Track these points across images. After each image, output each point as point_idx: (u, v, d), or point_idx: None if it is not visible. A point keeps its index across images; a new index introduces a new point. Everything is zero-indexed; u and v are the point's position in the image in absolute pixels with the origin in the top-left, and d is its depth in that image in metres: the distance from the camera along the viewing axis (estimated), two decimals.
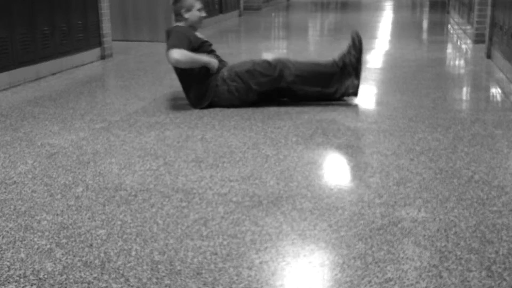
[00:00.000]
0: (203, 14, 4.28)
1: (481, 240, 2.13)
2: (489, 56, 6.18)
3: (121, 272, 1.93)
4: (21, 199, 2.57)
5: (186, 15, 4.20)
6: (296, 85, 4.14)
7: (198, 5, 4.23)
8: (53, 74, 5.53)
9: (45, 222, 2.32)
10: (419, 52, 6.95)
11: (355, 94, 4.20)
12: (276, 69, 4.10)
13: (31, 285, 1.86)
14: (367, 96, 4.51)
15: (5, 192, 2.65)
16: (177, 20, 4.29)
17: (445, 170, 2.87)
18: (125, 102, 4.41)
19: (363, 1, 16.86)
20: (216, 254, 2.05)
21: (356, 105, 4.23)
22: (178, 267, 1.96)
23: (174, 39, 4.02)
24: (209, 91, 4.12)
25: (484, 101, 4.57)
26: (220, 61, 4.22)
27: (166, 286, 1.85)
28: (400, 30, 9.80)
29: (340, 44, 7.71)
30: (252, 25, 10.82)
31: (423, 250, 2.05)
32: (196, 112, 4.06)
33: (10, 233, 2.23)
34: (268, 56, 6.58)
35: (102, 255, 2.05)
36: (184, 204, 2.49)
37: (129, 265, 1.98)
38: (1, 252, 2.08)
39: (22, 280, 1.89)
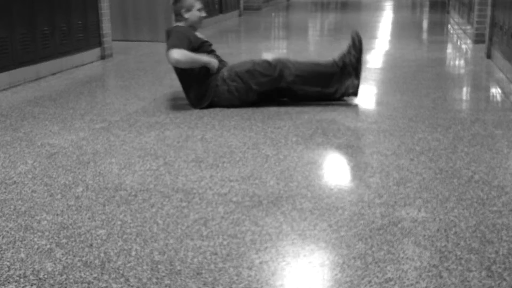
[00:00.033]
0: (203, 14, 4.28)
1: (481, 240, 2.13)
2: (489, 56, 6.18)
3: (121, 272, 1.93)
4: (21, 199, 2.57)
5: (186, 15, 4.20)
6: (296, 85, 4.14)
7: (198, 5, 4.23)
8: (53, 74, 5.53)
9: (45, 222, 2.32)
10: (419, 52, 6.95)
11: (355, 94, 4.20)
12: (276, 69, 4.10)
13: (31, 285, 1.86)
14: (367, 96, 4.51)
15: (5, 192, 2.65)
16: (177, 20, 4.29)
17: (445, 170, 2.87)
18: (125, 102, 4.41)
19: (363, 1, 16.86)
20: (216, 254, 2.05)
21: (356, 105, 4.23)
22: (178, 267, 1.96)
23: (174, 39, 4.02)
24: (209, 91, 4.12)
25: (484, 101, 4.57)
26: (220, 61, 4.22)
27: (166, 286, 1.85)
28: (400, 30, 9.80)
29: (340, 44, 7.71)
30: (252, 25, 10.82)
31: (423, 250, 2.05)
32: (196, 112, 4.06)
33: (10, 233, 2.23)
34: (268, 56, 6.58)
35: (102, 255, 2.05)
36: (184, 204, 2.49)
37: (129, 265, 1.98)
38: (1, 252, 2.08)
39: (22, 280, 1.89)
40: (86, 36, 6.15)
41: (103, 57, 6.49)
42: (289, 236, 2.18)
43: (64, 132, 3.61)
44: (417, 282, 1.85)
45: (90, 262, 1.99)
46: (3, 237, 2.20)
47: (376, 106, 4.28)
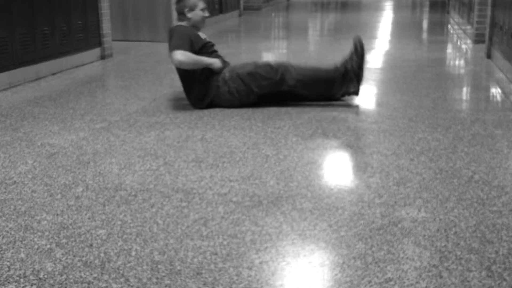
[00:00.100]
0: (206, 14, 4.28)
1: (481, 240, 2.13)
2: (489, 56, 6.18)
3: (121, 272, 1.93)
4: (21, 199, 2.57)
5: (189, 15, 4.20)
6: (297, 89, 4.15)
7: (201, 4, 4.23)
8: (53, 74, 5.53)
9: (45, 222, 2.32)
10: (419, 52, 6.95)
11: (356, 93, 4.19)
12: (278, 72, 4.10)
13: (31, 285, 1.86)
14: (367, 96, 4.51)
15: (5, 192, 2.65)
16: (179, 20, 4.29)
17: (445, 170, 2.87)
18: (125, 102, 4.41)
19: (363, 1, 16.86)
20: (216, 254, 2.05)
21: (356, 105, 4.23)
22: (178, 267, 1.96)
23: (177, 39, 4.02)
24: (209, 91, 4.12)
25: (484, 101, 4.57)
26: (223, 62, 4.22)
27: (166, 286, 1.85)
28: (400, 30, 9.80)
29: (340, 44, 7.72)
30: (252, 25, 10.83)
31: (423, 250, 2.05)
32: (196, 112, 4.06)
33: (10, 233, 2.23)
34: (270, 59, 6.59)
35: (102, 255, 2.05)
36: (184, 204, 2.49)
37: (129, 265, 1.98)
38: (1, 252, 2.08)
39: (22, 280, 1.89)
40: (86, 36, 6.15)
41: (103, 57, 6.49)
42: (289, 236, 2.18)
43: (64, 132, 3.61)
44: (417, 282, 1.85)
45: (90, 262, 1.99)
46: (3, 237, 2.20)
47: (376, 106, 4.28)
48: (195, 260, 2.01)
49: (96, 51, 6.38)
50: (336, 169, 3.01)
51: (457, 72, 5.99)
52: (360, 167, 2.94)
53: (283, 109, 4.09)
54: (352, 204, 2.47)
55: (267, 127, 3.68)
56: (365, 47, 4.22)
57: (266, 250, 2.08)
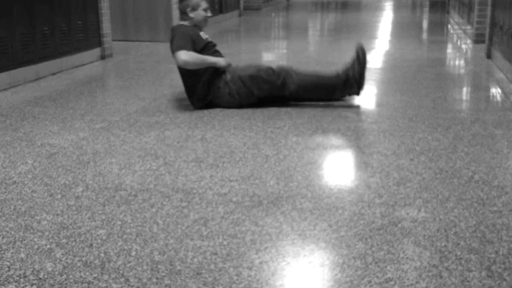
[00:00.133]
0: (209, 14, 4.28)
1: (481, 240, 2.13)
2: (489, 56, 6.18)
3: (121, 272, 1.93)
4: (21, 199, 2.57)
5: (192, 14, 4.20)
6: (298, 94, 4.16)
7: (204, 4, 4.24)
8: (53, 74, 5.53)
9: (45, 222, 2.32)
10: (419, 52, 6.95)
11: (357, 93, 4.19)
12: (279, 77, 4.10)
13: (31, 285, 1.86)
14: (367, 96, 4.50)
15: (5, 192, 2.65)
16: (182, 19, 4.29)
17: (445, 170, 2.87)
18: (125, 102, 4.41)
19: (363, 1, 16.86)
20: (216, 254, 2.05)
21: (356, 105, 4.23)
22: (178, 267, 1.96)
23: (179, 39, 4.02)
24: (210, 91, 4.12)
25: (484, 101, 4.57)
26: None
27: (166, 286, 1.85)
28: (400, 30, 9.80)
29: (340, 44, 7.72)
30: (252, 25, 10.83)
31: (423, 250, 2.05)
32: (196, 112, 4.06)
33: (10, 233, 2.23)
34: (270, 58, 6.59)
35: (102, 255, 2.05)
36: (184, 204, 2.49)
37: (129, 265, 1.98)
38: (1, 252, 2.08)
39: (22, 280, 1.89)
40: (86, 36, 6.15)
41: (103, 57, 6.49)
42: (289, 236, 2.18)
43: (64, 132, 3.61)
44: (417, 282, 1.85)
45: (90, 262, 1.99)
46: (3, 237, 2.20)
47: (376, 106, 4.28)
48: (195, 260, 2.01)
49: (96, 51, 6.38)
50: (336, 169, 3.01)
51: (457, 72, 5.99)
52: (360, 167, 2.94)
53: (283, 109, 4.09)
54: (352, 204, 2.47)
55: (267, 127, 3.68)
56: (367, 54, 4.21)
57: (266, 250, 2.08)
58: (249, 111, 4.05)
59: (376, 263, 1.97)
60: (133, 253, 2.05)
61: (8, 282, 1.88)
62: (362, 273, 1.91)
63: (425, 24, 11.26)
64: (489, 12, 6.23)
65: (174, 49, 4.02)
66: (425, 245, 2.10)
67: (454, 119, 3.81)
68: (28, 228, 2.27)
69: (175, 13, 7.82)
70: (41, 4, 5.33)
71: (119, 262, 1.99)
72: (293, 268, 1.96)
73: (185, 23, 4.23)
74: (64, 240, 2.16)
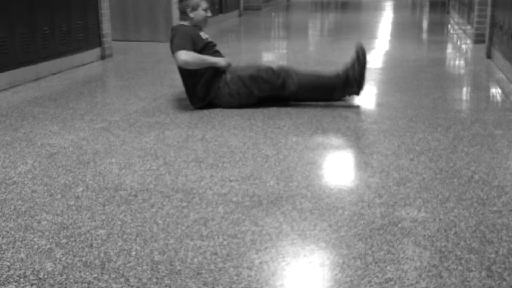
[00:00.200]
0: (209, 14, 4.29)
1: (481, 240, 2.13)
2: (489, 56, 6.18)
3: (121, 272, 1.93)
4: (21, 199, 2.57)
5: (191, 14, 4.20)
6: (298, 94, 4.16)
7: (204, 4, 4.24)
8: (53, 74, 5.53)
9: (45, 222, 2.32)
10: (419, 52, 6.95)
11: (357, 93, 4.18)
12: (279, 77, 4.10)
13: (31, 285, 1.86)
14: (367, 96, 4.50)
15: (5, 192, 2.65)
16: (182, 19, 4.29)
17: (445, 170, 2.87)
18: (125, 102, 4.41)
19: (363, 1, 16.86)
20: (216, 254, 2.05)
21: (356, 105, 4.23)
22: (178, 267, 1.96)
23: (179, 39, 4.02)
24: (211, 91, 4.12)
25: (484, 101, 4.57)
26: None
27: (166, 286, 1.85)
28: (400, 30, 9.80)
29: (340, 44, 7.72)
30: (252, 25, 10.83)
31: (423, 250, 2.05)
32: (196, 112, 4.06)
33: (10, 233, 2.23)
34: (271, 58, 6.59)
35: (102, 255, 2.05)
36: (184, 204, 2.49)
37: (129, 265, 1.98)
38: (1, 252, 2.08)
39: (22, 280, 1.89)
40: (86, 36, 6.15)
41: (103, 57, 6.49)
42: (289, 236, 2.18)
43: (64, 132, 3.61)
44: (417, 282, 1.85)
45: (90, 262, 1.99)
46: (3, 237, 2.20)
47: (376, 106, 4.28)
48: (195, 260, 2.01)
49: (96, 51, 6.38)
50: (336, 169, 3.01)
51: (457, 72, 5.99)
52: (360, 167, 2.94)
53: (283, 109, 4.09)
54: (352, 204, 2.47)
55: (267, 127, 3.68)
56: (367, 54, 4.21)
57: (266, 250, 2.08)
58: (249, 111, 4.05)
59: (376, 263, 1.97)
60: (133, 253, 2.05)
61: (8, 282, 1.88)
62: (362, 273, 1.91)
63: (425, 24, 11.26)
64: (489, 12, 6.23)
65: (174, 49, 4.02)
66: (425, 245, 2.10)
67: (454, 119, 3.81)
68: (28, 228, 2.27)
69: (175, 13, 7.82)
70: (41, 4, 5.33)
71: (119, 262, 1.99)
72: (293, 268, 1.96)
73: (185, 23, 4.23)
74: (64, 240, 2.16)
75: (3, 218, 2.37)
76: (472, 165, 2.94)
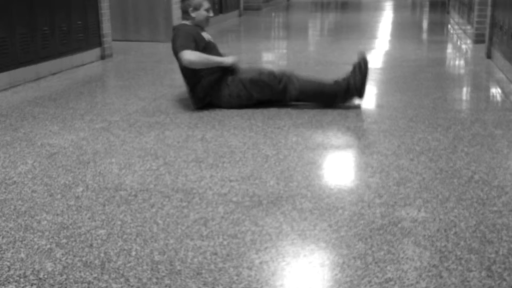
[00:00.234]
0: (210, 14, 4.28)
1: (481, 240, 2.13)
2: (489, 56, 6.18)
3: (121, 272, 1.93)
4: (21, 199, 2.57)
5: (193, 14, 4.20)
6: (299, 100, 4.15)
7: (206, 4, 4.24)
8: (53, 74, 5.53)
9: (45, 222, 2.32)
10: (419, 52, 6.95)
11: (359, 95, 4.16)
12: (281, 82, 4.10)
13: (31, 285, 1.86)
14: (367, 96, 4.50)
15: (5, 192, 2.65)
16: (183, 18, 4.29)
17: (445, 170, 2.87)
18: (125, 102, 4.41)
19: (363, 1, 16.87)
20: (216, 254, 2.05)
21: (356, 105, 4.23)
22: (178, 267, 1.96)
23: (182, 39, 4.01)
24: (210, 92, 4.12)
25: (484, 101, 4.57)
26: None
27: (166, 286, 1.85)
28: (400, 30, 9.80)
29: (340, 44, 7.72)
30: (252, 25, 10.83)
31: (423, 250, 2.05)
32: (196, 112, 4.06)
33: (10, 233, 2.23)
34: (271, 56, 6.58)
35: (102, 255, 2.05)
36: (184, 204, 2.49)
37: (129, 265, 1.98)
38: (1, 252, 2.08)
39: (22, 280, 1.89)
40: (86, 36, 6.15)
41: (103, 57, 6.49)
42: (289, 236, 2.18)
43: (64, 132, 3.61)
44: (417, 282, 1.85)
45: (90, 262, 1.99)
46: (3, 237, 2.20)
47: (376, 106, 4.28)
48: (195, 260, 2.01)
49: (96, 51, 6.38)
50: (336, 169, 3.01)
51: (457, 72, 5.99)
52: (360, 167, 2.94)
53: (283, 109, 4.09)
54: (352, 204, 2.47)
55: (267, 127, 3.68)
56: (369, 64, 4.20)
57: (266, 250, 2.08)
58: (249, 111, 4.05)
59: (376, 263, 1.97)
60: (133, 253, 2.05)
61: (8, 282, 1.88)
62: (362, 273, 1.91)
63: (425, 24, 11.26)
64: (489, 12, 6.23)
65: (177, 49, 4.00)
66: (425, 245, 2.10)
67: (454, 119, 3.81)
68: (28, 228, 2.27)
69: (175, 13, 7.83)
70: (41, 4, 5.33)
71: (119, 262, 1.99)
72: (293, 268, 1.96)
73: (187, 22, 4.23)
74: (64, 240, 2.16)
75: (3, 218, 2.37)
76: (472, 165, 2.94)
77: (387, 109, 4.11)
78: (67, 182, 2.76)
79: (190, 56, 3.94)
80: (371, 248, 2.08)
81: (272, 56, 7.12)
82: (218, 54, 4.24)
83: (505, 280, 1.86)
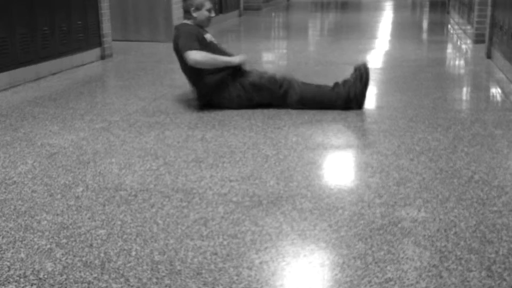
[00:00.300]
0: (212, 14, 4.28)
1: (481, 240, 2.13)
2: (489, 56, 6.18)
3: (121, 272, 1.93)
4: (21, 199, 2.57)
5: (195, 14, 4.19)
6: (299, 105, 4.12)
7: (208, 5, 4.23)
8: (53, 74, 5.53)
9: (45, 222, 2.32)
10: (419, 52, 6.95)
11: (359, 107, 4.13)
12: (282, 87, 4.09)
13: (31, 285, 1.86)
14: (367, 96, 4.50)
15: (5, 192, 2.65)
16: (185, 18, 4.29)
17: (445, 170, 2.87)
18: (125, 102, 4.41)
19: (363, 1, 16.86)
20: (216, 254, 2.05)
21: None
22: (178, 267, 1.96)
23: (185, 39, 3.99)
24: (211, 91, 4.11)
25: (484, 101, 4.57)
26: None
27: (166, 286, 1.85)
28: (400, 30, 9.80)
29: (340, 44, 7.72)
30: (252, 25, 10.83)
31: (423, 250, 2.05)
32: (196, 112, 4.06)
33: (10, 233, 2.23)
34: (272, 57, 6.58)
35: (102, 255, 2.05)
36: (184, 204, 2.49)
37: (129, 265, 1.98)
38: (1, 252, 2.08)
39: (22, 280, 1.89)
40: (86, 36, 6.15)
41: (103, 57, 6.49)
42: (289, 236, 2.18)
43: (64, 132, 3.61)
44: (417, 282, 1.85)
45: (90, 262, 1.99)
46: (3, 237, 2.20)
47: (376, 106, 4.28)
48: (195, 260, 2.01)
49: (96, 51, 6.38)
50: (336, 169, 3.01)
51: (457, 72, 5.99)
52: (360, 167, 2.94)
53: (283, 109, 4.09)
54: (352, 204, 2.47)
55: (267, 127, 3.68)
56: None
57: (266, 250, 2.08)
58: (249, 111, 4.05)
59: (376, 263, 1.97)
60: (133, 253, 2.05)
61: (8, 282, 1.88)
62: (362, 273, 1.91)
63: (425, 24, 11.26)
64: (489, 12, 6.23)
65: (182, 49, 3.98)
66: (425, 245, 2.10)
67: (454, 119, 3.81)
68: (28, 228, 2.27)
69: (175, 13, 7.83)
70: (41, 4, 5.33)
71: (119, 262, 1.99)
72: (293, 268, 1.96)
73: (188, 22, 4.23)
74: (64, 240, 2.16)
75: (3, 218, 2.37)
76: (472, 165, 2.94)
77: (387, 109, 4.11)
78: (67, 182, 2.76)
79: (196, 56, 3.93)
80: (371, 248, 2.08)
81: (272, 56, 7.12)
82: (222, 54, 4.23)
83: (505, 280, 1.86)
